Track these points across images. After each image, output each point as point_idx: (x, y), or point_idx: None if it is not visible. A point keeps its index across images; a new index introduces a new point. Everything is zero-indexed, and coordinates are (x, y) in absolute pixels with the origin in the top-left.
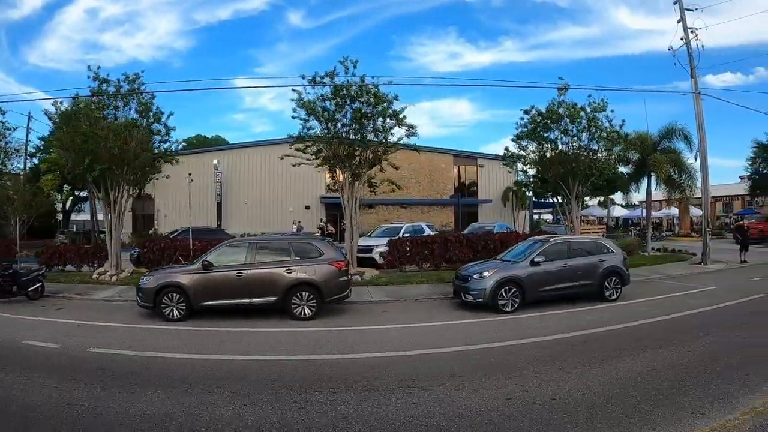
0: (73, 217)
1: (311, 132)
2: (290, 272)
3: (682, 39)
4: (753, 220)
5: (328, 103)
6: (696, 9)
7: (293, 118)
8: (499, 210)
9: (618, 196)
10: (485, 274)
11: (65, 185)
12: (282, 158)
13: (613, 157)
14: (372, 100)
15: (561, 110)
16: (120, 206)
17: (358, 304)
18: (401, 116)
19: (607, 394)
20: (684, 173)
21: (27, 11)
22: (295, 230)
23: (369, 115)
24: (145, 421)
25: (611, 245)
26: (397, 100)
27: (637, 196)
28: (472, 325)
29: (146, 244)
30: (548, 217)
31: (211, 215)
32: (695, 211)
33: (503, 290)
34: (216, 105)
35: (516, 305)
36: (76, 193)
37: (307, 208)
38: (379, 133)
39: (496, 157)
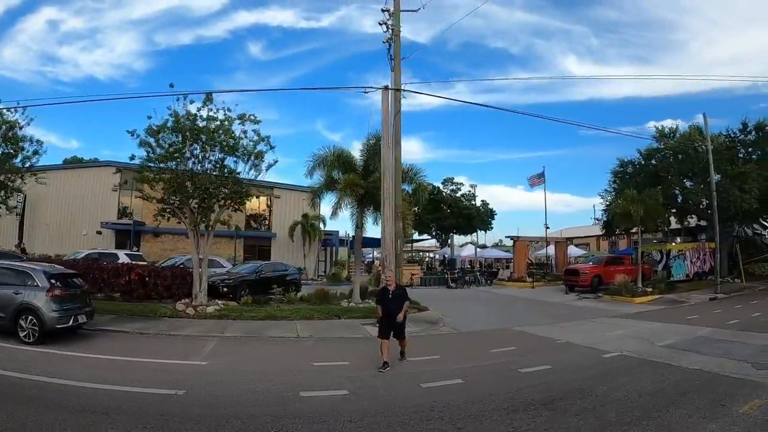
0: None
1: None
2: None
3: (384, 26)
4: (590, 263)
5: None
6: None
7: None
8: (287, 245)
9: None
10: None
11: None
12: None
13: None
14: None
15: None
16: None
17: None
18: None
19: None
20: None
21: None
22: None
23: None
24: None
25: (39, 278)
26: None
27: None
28: None
29: None
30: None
31: (14, 234)
32: (541, 251)
33: None
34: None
35: None
36: None
37: (99, 233)
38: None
39: (297, 188)
